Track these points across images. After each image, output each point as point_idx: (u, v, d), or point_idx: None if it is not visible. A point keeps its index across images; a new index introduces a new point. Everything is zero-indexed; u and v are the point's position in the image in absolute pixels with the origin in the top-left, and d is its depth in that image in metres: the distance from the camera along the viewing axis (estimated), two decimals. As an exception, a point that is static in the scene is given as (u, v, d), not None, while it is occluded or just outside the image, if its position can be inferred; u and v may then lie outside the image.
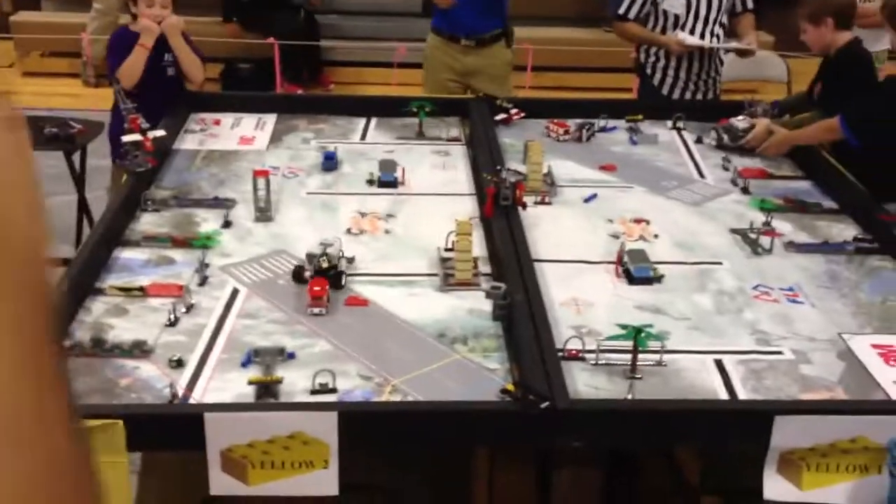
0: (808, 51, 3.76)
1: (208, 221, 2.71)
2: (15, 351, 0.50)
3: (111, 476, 1.76)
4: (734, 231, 2.74)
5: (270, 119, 3.54)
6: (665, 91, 4.01)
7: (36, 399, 0.51)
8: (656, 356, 2.07)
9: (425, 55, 4.42)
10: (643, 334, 2.02)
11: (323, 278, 2.27)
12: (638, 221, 2.79)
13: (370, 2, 7.04)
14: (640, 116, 3.56)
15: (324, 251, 2.31)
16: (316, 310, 2.21)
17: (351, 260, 2.44)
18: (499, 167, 2.84)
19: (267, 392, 1.93)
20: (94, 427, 1.74)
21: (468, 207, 2.85)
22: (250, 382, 1.96)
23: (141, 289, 2.32)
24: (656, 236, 2.71)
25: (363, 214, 2.80)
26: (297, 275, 2.37)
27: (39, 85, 6.36)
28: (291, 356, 2.06)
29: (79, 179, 3.93)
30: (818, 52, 3.60)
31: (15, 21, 6.67)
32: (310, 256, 2.33)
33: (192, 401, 1.91)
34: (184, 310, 2.24)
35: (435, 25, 4.35)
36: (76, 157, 3.93)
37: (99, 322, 2.19)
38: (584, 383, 2.01)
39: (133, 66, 3.45)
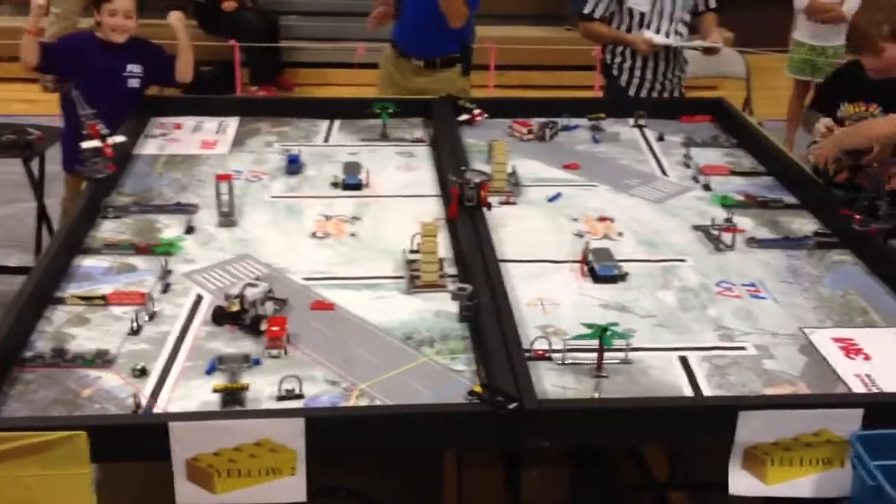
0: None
1: (171, 227, 2.68)
2: None
3: (74, 489, 1.74)
4: (697, 228, 2.77)
5: (232, 122, 3.51)
6: (632, 92, 4.01)
7: None
8: (622, 354, 2.08)
9: (380, 66, 4.24)
10: (609, 333, 2.03)
11: (281, 318, 2.14)
12: (602, 220, 2.80)
13: (329, 2, 7.00)
14: (602, 115, 3.58)
15: (240, 293, 2.15)
16: (274, 351, 2.07)
17: (282, 303, 2.24)
18: (463, 168, 2.84)
19: (233, 399, 1.92)
20: (57, 439, 1.72)
21: (433, 209, 2.84)
22: (216, 390, 1.94)
23: (103, 297, 2.29)
24: (620, 234, 2.73)
25: (328, 218, 2.79)
26: (216, 318, 2.19)
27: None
28: (257, 362, 2.05)
29: (37, 186, 3.87)
30: (880, 75, 3.03)
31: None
32: (227, 297, 2.16)
33: (156, 410, 1.89)
34: (147, 318, 2.21)
35: (392, 36, 4.14)
36: (35, 165, 3.86)
37: (60, 332, 2.16)
38: (552, 383, 2.02)
39: (22, 49, 3.47)
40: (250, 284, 2.21)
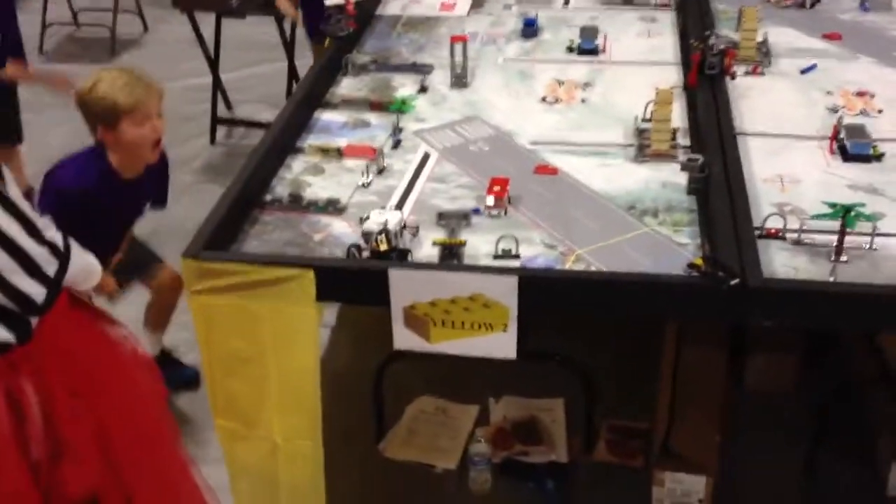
0: None
1: (405, 87, 2.72)
2: None
3: (301, 322, 1.86)
4: (975, 108, 2.45)
5: (473, -16, 3.47)
6: None
7: None
8: (866, 238, 1.91)
9: None
10: (853, 214, 1.86)
11: (504, 178, 2.10)
12: (861, 94, 2.54)
13: None
14: (876, -21, 3.21)
15: (383, 228, 1.91)
16: (494, 211, 2.07)
17: (415, 232, 2.01)
18: (707, 33, 2.65)
19: (451, 254, 1.95)
20: (287, 276, 1.83)
21: (671, 77, 2.69)
22: (435, 243, 1.98)
23: (338, 150, 2.38)
24: (880, 111, 2.46)
25: (560, 83, 2.72)
26: (350, 255, 1.95)
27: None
28: (477, 211, 2.07)
29: (289, 46, 4.05)
30: None
31: None
32: (366, 234, 1.91)
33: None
34: (377, 171, 2.28)
35: None
36: (287, 25, 4.03)
37: (298, 179, 2.27)
38: (782, 263, 1.88)
39: None
40: (383, 214, 1.96)
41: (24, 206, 1.52)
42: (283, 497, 2.01)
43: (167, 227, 3.08)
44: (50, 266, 1.56)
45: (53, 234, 1.56)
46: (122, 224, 2.73)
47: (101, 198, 2.49)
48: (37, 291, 1.56)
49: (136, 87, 2.43)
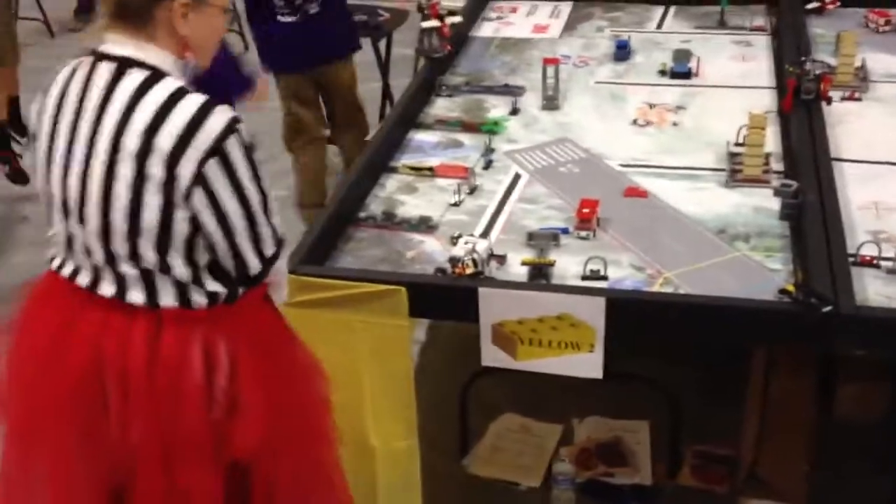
0: None
1: (497, 108, 2.77)
2: None
3: (394, 338, 1.92)
4: None
5: (566, 7, 3.50)
6: None
7: None
8: (966, 270, 1.87)
9: None
10: (951, 244, 1.83)
11: (593, 200, 2.14)
12: (962, 122, 2.49)
13: None
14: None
15: (472, 250, 1.94)
16: (583, 233, 2.11)
17: (502, 259, 2.03)
18: (804, 58, 2.63)
19: (540, 273, 1.99)
20: (381, 291, 1.89)
21: (765, 101, 2.68)
22: (524, 263, 2.02)
23: (430, 169, 2.44)
24: (983, 139, 2.41)
25: (651, 106, 2.73)
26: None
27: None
28: (565, 231, 2.10)
29: (384, 66, 4.14)
30: None
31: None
32: (453, 259, 1.94)
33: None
34: (468, 191, 2.33)
35: None
36: (382, 45, 4.13)
37: (391, 198, 2.34)
38: (876, 292, 1.87)
39: None
40: (471, 241, 1.99)
41: (267, 182, 1.64)
42: (381, 498, 2.06)
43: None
44: (268, 247, 1.67)
45: (277, 220, 1.68)
46: None
47: None
48: (254, 263, 1.66)
49: None
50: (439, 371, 2.87)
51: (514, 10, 3.51)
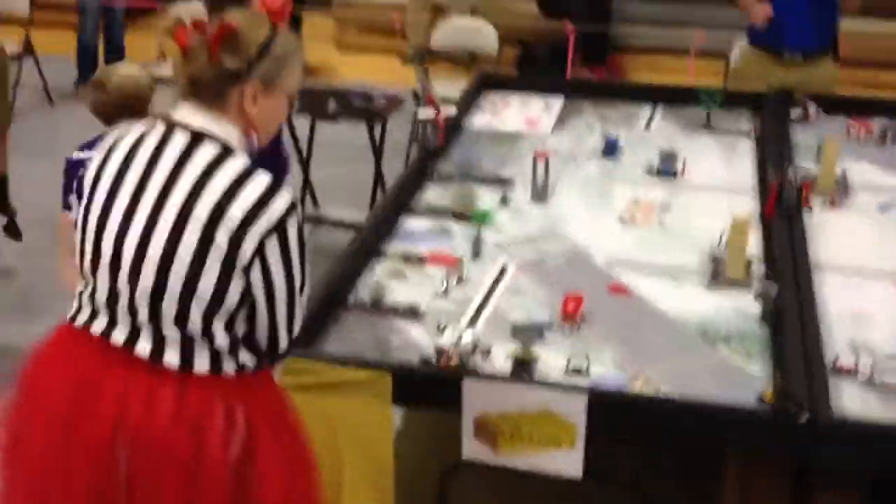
0: None
1: (487, 198, 2.82)
2: None
3: (376, 424, 1.93)
4: None
5: (557, 102, 3.60)
6: None
7: None
8: (942, 382, 1.91)
9: (736, 66, 4.16)
10: (926, 356, 1.87)
11: (578, 296, 2.18)
12: (939, 235, 2.56)
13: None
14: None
15: (458, 340, 1.99)
16: (567, 327, 2.14)
17: (487, 351, 2.04)
18: (786, 164, 2.71)
19: (523, 367, 2.01)
20: (367, 378, 1.91)
21: (748, 205, 2.75)
22: (509, 356, 2.04)
23: (420, 257, 2.48)
24: (961, 254, 2.48)
25: (638, 203, 2.79)
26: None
27: (354, 59, 6.86)
28: (550, 332, 2.12)
29: (377, 150, 4.22)
30: None
31: (337, -1, 7.22)
32: (439, 350, 1.99)
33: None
34: (456, 280, 2.36)
35: (752, 36, 3.95)
36: (377, 130, 4.22)
37: (380, 283, 2.37)
38: (854, 401, 1.90)
39: None
40: (457, 331, 2.06)
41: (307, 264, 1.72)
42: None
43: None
44: (298, 326, 1.74)
45: (305, 299, 1.75)
46: None
47: None
48: (284, 340, 1.72)
49: None
50: (417, 460, 2.85)
51: (506, 104, 3.60)
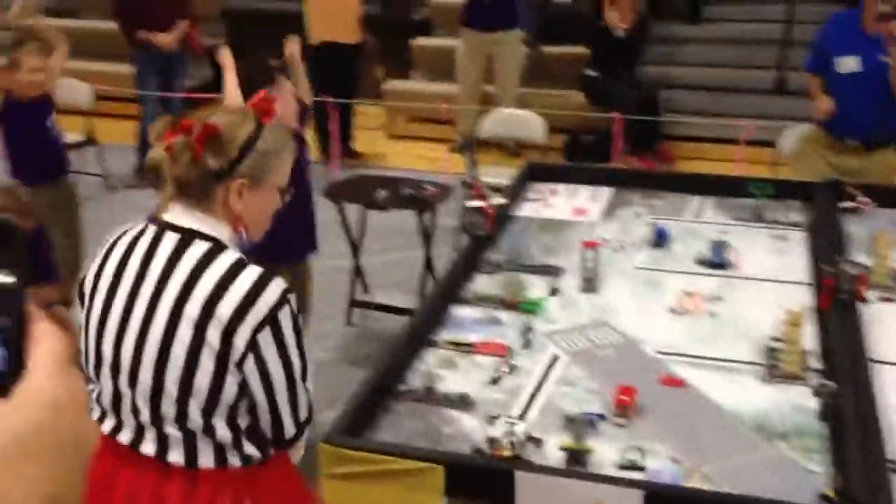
0: None
1: (536, 287, 2.84)
2: None
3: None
4: None
5: (606, 192, 3.63)
6: None
7: None
8: None
9: (800, 146, 4.24)
10: None
11: (631, 388, 2.17)
12: None
13: (717, 77, 6.97)
14: None
15: (510, 431, 1.97)
16: (621, 420, 2.12)
17: (539, 442, 2.03)
18: (840, 257, 2.70)
19: (576, 460, 1.99)
20: (418, 468, 1.90)
21: (802, 297, 2.72)
22: (562, 448, 2.02)
23: (470, 345, 2.48)
24: None
25: (688, 294, 2.78)
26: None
27: (403, 147, 7.01)
28: (601, 417, 2.11)
29: (427, 237, 4.27)
30: None
31: (386, 89, 7.42)
32: (491, 440, 1.97)
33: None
34: (506, 369, 2.36)
35: (819, 120, 4.07)
36: (427, 218, 4.27)
37: (431, 372, 2.38)
38: (918, 501, 1.84)
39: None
40: (509, 421, 2.03)
41: (306, 349, 1.72)
42: None
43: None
44: (304, 412, 1.74)
45: (311, 385, 1.75)
46: None
47: None
48: (290, 427, 1.73)
49: None
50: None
51: (554, 193, 3.64)
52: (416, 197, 4.14)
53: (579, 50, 6.87)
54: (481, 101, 6.63)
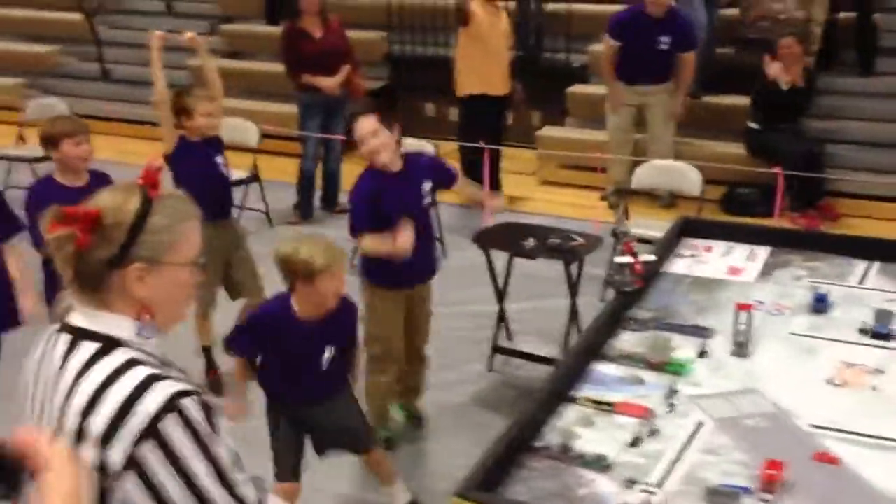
0: None
1: (684, 348, 2.75)
2: None
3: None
4: None
5: (763, 251, 3.49)
6: None
7: None
8: None
9: None
10: None
11: (779, 462, 2.06)
12: None
13: (887, 132, 6.61)
14: None
15: (647, 501, 1.98)
16: (768, 496, 2.01)
17: None
18: None
19: (716, 535, 1.90)
20: (548, 530, 1.86)
21: (976, 376, 2.53)
22: (701, 521, 1.94)
23: (610, 404, 2.43)
24: None
25: (849, 365, 2.63)
26: None
27: (553, 194, 6.99)
28: (745, 490, 2.01)
29: (573, 286, 4.23)
30: None
31: (540, 135, 7.44)
32: None
33: (641, 526, 1.95)
34: (647, 432, 2.29)
35: None
36: (574, 268, 4.23)
37: (569, 429, 2.34)
38: None
39: None
40: (647, 490, 2.02)
41: (223, 452, 1.50)
42: None
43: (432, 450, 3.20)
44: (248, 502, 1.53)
45: (247, 489, 1.54)
46: (305, 360, 3.12)
47: (280, 330, 3.05)
48: None
49: (331, 251, 2.96)
50: None
51: (708, 249, 3.53)
52: (563, 247, 4.11)
53: (739, 100, 6.69)
54: (635, 150, 6.54)
